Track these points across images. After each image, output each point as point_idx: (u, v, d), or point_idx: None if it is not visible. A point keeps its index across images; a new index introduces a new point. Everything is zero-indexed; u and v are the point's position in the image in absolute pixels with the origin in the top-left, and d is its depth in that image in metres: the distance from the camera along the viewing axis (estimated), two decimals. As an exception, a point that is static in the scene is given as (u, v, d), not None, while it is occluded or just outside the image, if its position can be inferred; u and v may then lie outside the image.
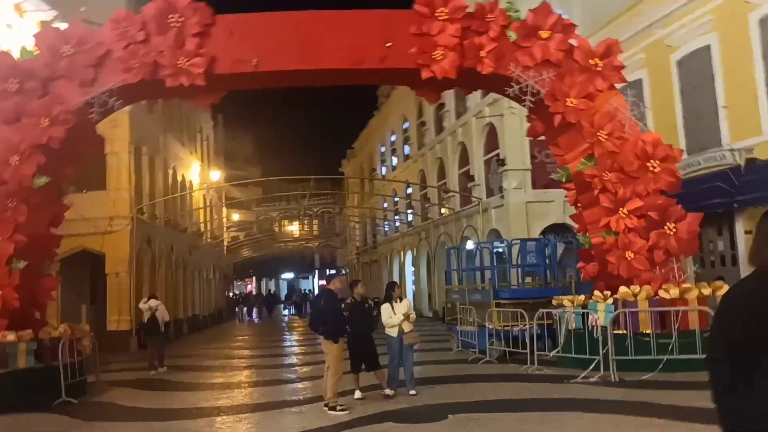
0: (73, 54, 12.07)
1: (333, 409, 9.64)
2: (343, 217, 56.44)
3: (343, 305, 11.21)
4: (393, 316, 10.77)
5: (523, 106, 13.16)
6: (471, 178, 26.37)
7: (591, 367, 11.25)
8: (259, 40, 12.52)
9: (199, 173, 37.47)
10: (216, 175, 41.90)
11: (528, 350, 12.97)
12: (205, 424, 9.53)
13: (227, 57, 12.38)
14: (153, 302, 16.86)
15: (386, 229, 42.47)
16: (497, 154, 23.71)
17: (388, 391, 10.62)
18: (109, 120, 13.63)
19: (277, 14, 12.84)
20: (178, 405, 11.22)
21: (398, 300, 11.00)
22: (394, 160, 40.31)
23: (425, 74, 12.40)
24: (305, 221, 63.23)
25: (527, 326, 13.28)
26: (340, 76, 13.56)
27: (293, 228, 62.32)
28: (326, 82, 14.30)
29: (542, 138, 17.24)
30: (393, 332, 10.78)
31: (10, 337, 11.56)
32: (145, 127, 25.58)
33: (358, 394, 10.60)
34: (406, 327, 10.77)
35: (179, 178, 32.38)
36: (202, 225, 37.54)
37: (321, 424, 8.97)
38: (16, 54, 12.71)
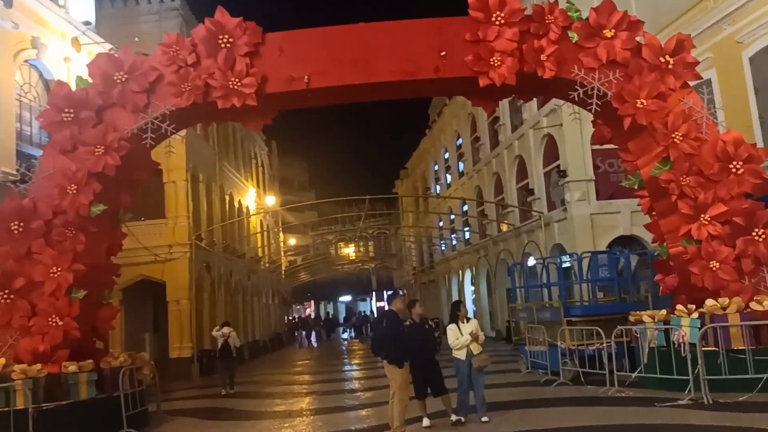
0: (126, 81, 12.02)
1: None
2: (398, 237, 55.98)
3: (402, 327, 10.58)
4: (460, 338, 10.13)
5: (589, 110, 12.43)
6: (530, 191, 25.49)
7: (688, 389, 10.25)
8: (309, 57, 12.21)
9: (255, 199, 37.72)
10: (271, 200, 42.16)
11: (606, 371, 12.08)
12: (267, 457, 9.08)
13: (278, 75, 12.11)
14: (226, 329, 17.89)
15: (443, 248, 41.73)
16: (558, 166, 22.84)
17: (455, 418, 9.96)
18: (165, 148, 13.53)
19: (327, 29, 12.52)
20: (240, 436, 10.83)
21: (465, 320, 10.36)
22: (449, 178, 39.68)
23: (483, 82, 11.83)
24: (361, 243, 63.05)
25: (604, 345, 12.40)
26: (394, 89, 13.12)
27: (349, 250, 62.21)
28: (380, 96, 13.89)
29: (607, 146, 16.44)
30: (461, 355, 10.13)
31: (72, 367, 11.44)
32: (201, 154, 25.79)
33: (426, 422, 9.96)
34: (475, 349, 10.11)
35: (236, 205, 32.58)
36: (259, 250, 37.68)
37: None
38: (73, 86, 12.82)
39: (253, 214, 36.49)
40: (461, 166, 36.44)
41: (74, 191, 11.87)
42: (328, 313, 65.81)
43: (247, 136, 36.70)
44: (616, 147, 13.91)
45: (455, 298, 35.77)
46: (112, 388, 11.73)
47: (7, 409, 10.73)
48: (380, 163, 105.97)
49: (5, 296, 11.61)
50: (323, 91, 12.47)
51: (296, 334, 45.60)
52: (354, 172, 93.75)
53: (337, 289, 68.24)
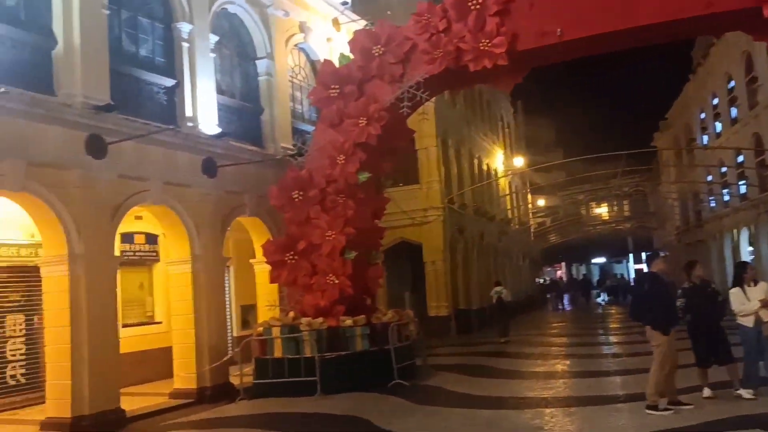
0: (383, 53, 12.68)
1: (653, 408, 8.46)
2: (657, 194, 51.85)
3: (680, 291, 9.78)
4: (746, 303, 9.07)
5: None
6: (826, 135, 21.75)
7: None
8: (561, 8, 11.67)
9: (502, 161, 37.65)
10: (519, 161, 41.73)
11: None
12: (532, 416, 9.11)
13: (529, 31, 11.79)
14: (498, 288, 21.45)
15: (713, 204, 37.69)
16: None
17: (744, 392, 8.97)
18: (418, 115, 14.09)
19: (579, -24, 11.83)
20: (502, 393, 11.03)
21: (751, 283, 9.25)
22: (718, 126, 35.47)
23: (768, 11, 10.26)
24: (615, 202, 59.62)
25: None
26: (655, 33, 11.98)
27: (602, 210, 59.28)
28: (638, 42, 12.79)
29: None
30: (748, 321, 9.08)
31: (348, 321, 12.62)
32: (450, 120, 26.36)
33: (707, 392, 9.17)
34: (765, 315, 8.99)
35: (484, 167, 32.84)
36: (508, 212, 37.65)
37: (678, 424, 7.87)
38: (337, 63, 13.90)
39: (501, 176, 36.48)
40: (734, 112, 32.33)
41: (342, 161, 12.93)
42: (584, 275, 63.56)
43: (492, 99, 36.61)
44: None
45: (728, 259, 32.29)
46: (383, 342, 12.69)
47: (297, 356, 12.24)
48: (635, 115, 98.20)
49: (291, 257, 13.13)
50: (577, 43, 11.89)
51: (548, 296, 44.93)
52: (605, 127, 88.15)
53: (590, 250, 65.60)
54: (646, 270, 10.37)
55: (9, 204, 10.47)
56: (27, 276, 12.44)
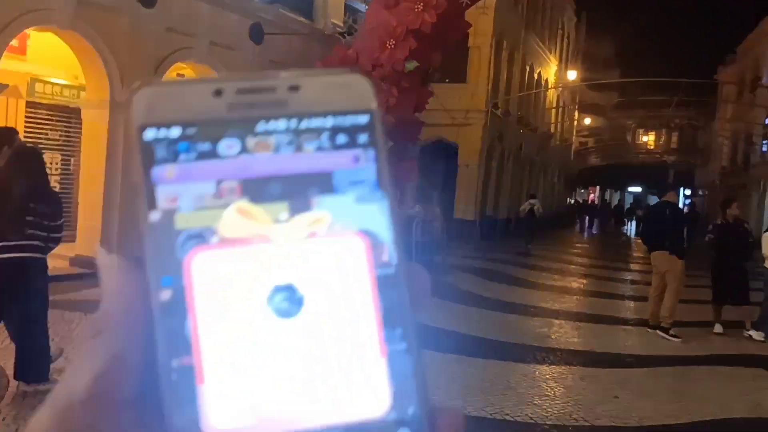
0: (451, -65, 11.93)
1: (666, 331, 8.67)
2: (709, 130, 50.13)
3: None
4: (777, 248, 8.92)
5: None
6: None
7: None
8: None
9: (555, 72, 36.39)
10: (572, 75, 40.30)
11: None
12: (541, 325, 9.28)
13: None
14: (533, 200, 22.14)
15: (765, 150, 36.39)
16: None
17: (754, 334, 8.98)
18: (476, 9, 13.47)
19: None
20: (515, 300, 11.19)
21: (787, 231, 9.03)
22: (790, 67, 33.63)
23: None
24: (663, 132, 57.90)
25: None
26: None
27: (648, 138, 57.71)
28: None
29: None
30: (774, 267, 8.98)
31: (373, 209, 12.69)
32: (509, 21, 25.27)
33: (718, 328, 9.20)
34: (792, 264, 8.85)
35: (535, 76, 31.81)
36: (552, 126, 36.83)
37: (684, 353, 7.96)
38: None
39: (551, 88, 35.37)
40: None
41: (392, 46, 12.53)
42: (618, 201, 62.75)
43: (556, 4, 34.90)
44: None
45: (767, 207, 31.45)
46: (405, 234, 12.81)
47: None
48: (702, 45, 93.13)
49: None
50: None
51: (577, 218, 44.67)
52: (668, 53, 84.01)
53: (628, 178, 64.46)
54: (658, 200, 10.71)
55: (57, 43, 10.44)
56: (67, 117, 12.63)
